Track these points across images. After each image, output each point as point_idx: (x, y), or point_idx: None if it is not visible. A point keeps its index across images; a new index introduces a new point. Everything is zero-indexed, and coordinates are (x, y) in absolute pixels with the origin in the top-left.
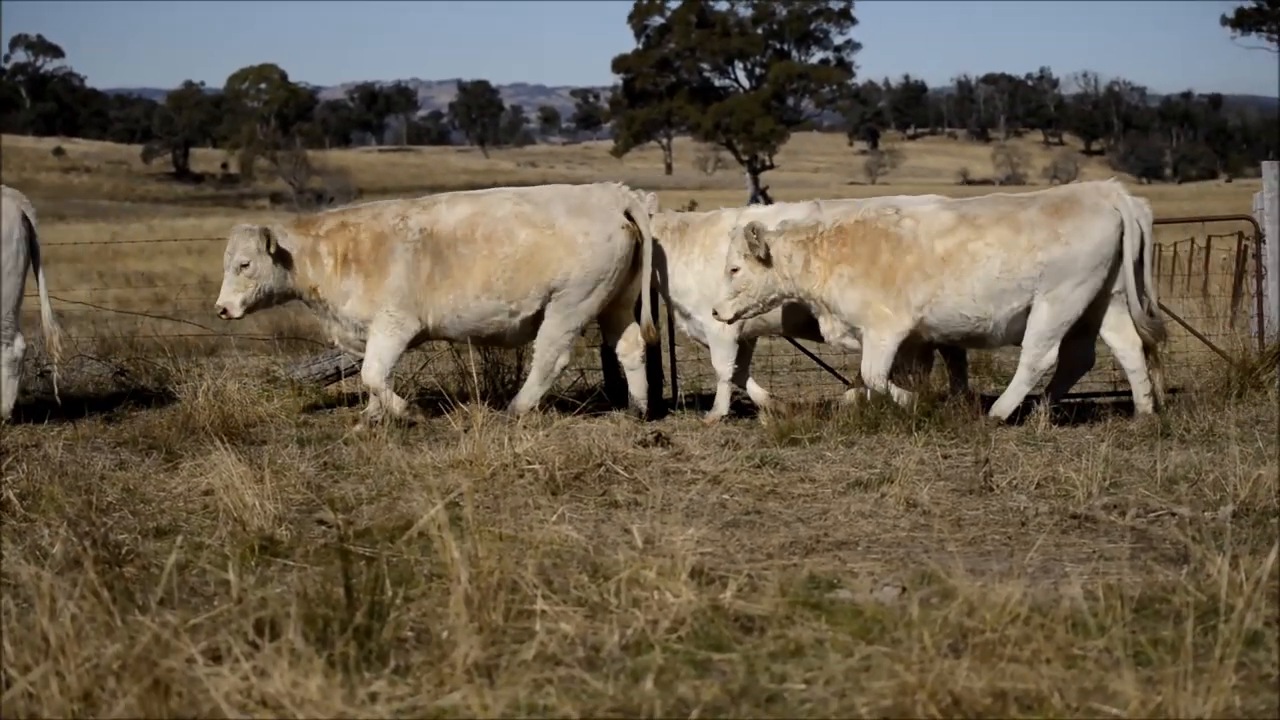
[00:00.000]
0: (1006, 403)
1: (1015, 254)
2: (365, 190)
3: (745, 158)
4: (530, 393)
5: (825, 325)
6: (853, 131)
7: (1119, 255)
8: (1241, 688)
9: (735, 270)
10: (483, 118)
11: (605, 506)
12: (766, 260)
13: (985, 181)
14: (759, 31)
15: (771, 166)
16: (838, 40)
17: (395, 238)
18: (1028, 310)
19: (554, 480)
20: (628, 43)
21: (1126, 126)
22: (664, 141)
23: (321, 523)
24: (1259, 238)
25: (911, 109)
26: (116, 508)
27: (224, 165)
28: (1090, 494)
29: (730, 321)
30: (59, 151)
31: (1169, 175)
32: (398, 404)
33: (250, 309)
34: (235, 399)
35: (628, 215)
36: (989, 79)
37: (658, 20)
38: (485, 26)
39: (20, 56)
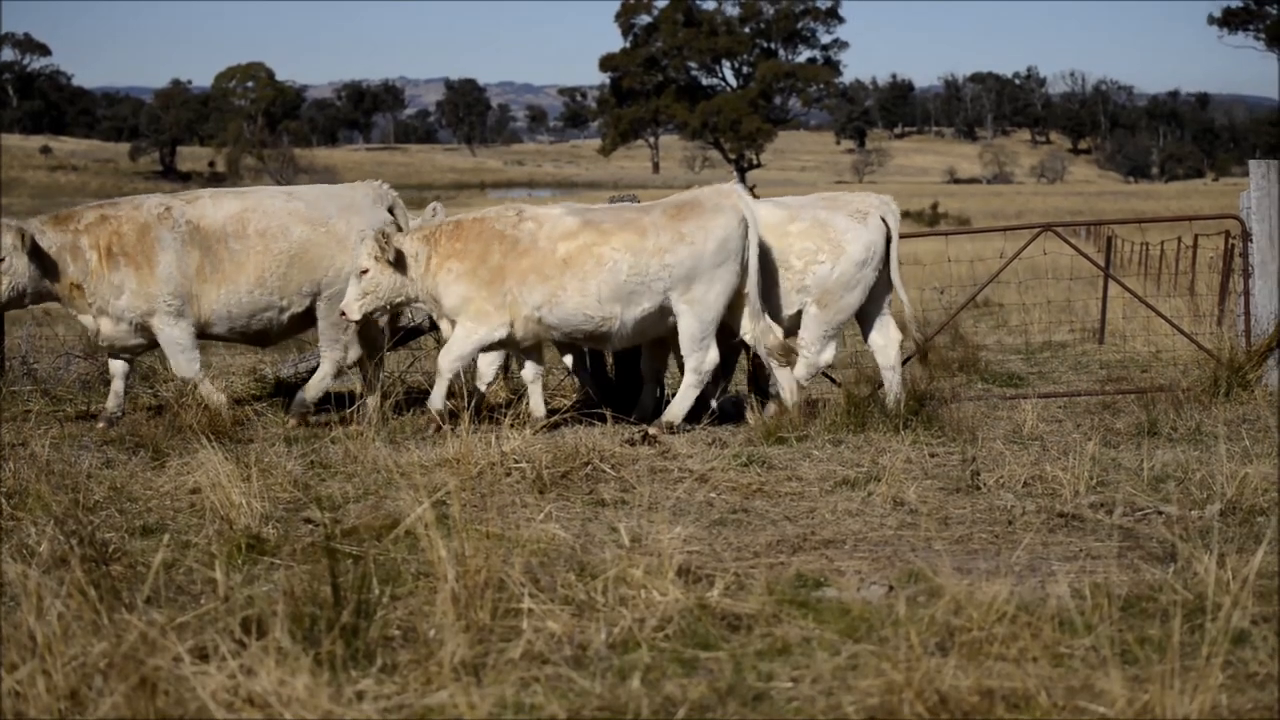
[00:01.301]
0: (677, 408)
1: (643, 257)
2: None
3: (732, 156)
4: (318, 385)
5: (445, 329)
6: (840, 130)
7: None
8: (1228, 686)
9: (365, 271)
10: (470, 116)
11: (592, 505)
12: (399, 264)
13: (973, 180)
14: (746, 30)
15: (759, 165)
16: (825, 39)
17: (160, 226)
18: (658, 311)
19: (541, 479)
20: (615, 41)
21: (1113, 125)
22: (651, 140)
23: (308, 521)
24: (1246, 237)
25: (899, 108)
26: (103, 506)
27: (211, 163)
28: (1077, 492)
29: (358, 321)
30: (46, 150)
31: (1156, 174)
32: (217, 397)
33: (3, 307)
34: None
35: (390, 212)
36: (976, 78)
37: (645, 19)
38: (473, 25)
39: (7, 55)
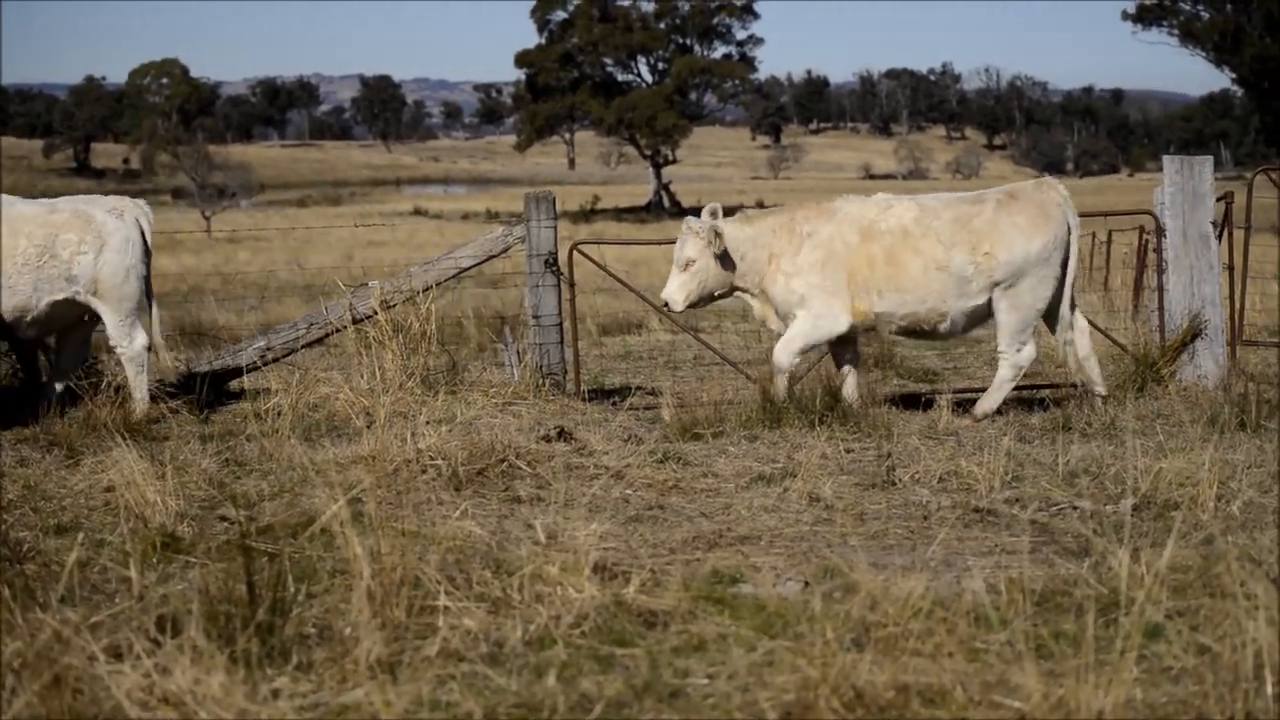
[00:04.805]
0: None
1: None
2: (268, 185)
3: (648, 153)
4: None
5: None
6: (755, 126)
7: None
8: (1142, 680)
9: None
10: (385, 112)
11: (508, 502)
12: None
13: (888, 175)
14: (661, 26)
15: (674, 161)
16: (740, 35)
17: None
18: None
19: (456, 476)
20: (531, 37)
21: (1028, 121)
22: (567, 136)
23: (223, 519)
24: (1160, 232)
25: (814, 104)
26: (17, 505)
27: (125, 160)
28: (992, 488)
29: None
30: None
31: (1071, 170)
32: None
33: None
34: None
35: None
36: (891, 74)
37: (560, 15)
38: (387, 21)
39: None
